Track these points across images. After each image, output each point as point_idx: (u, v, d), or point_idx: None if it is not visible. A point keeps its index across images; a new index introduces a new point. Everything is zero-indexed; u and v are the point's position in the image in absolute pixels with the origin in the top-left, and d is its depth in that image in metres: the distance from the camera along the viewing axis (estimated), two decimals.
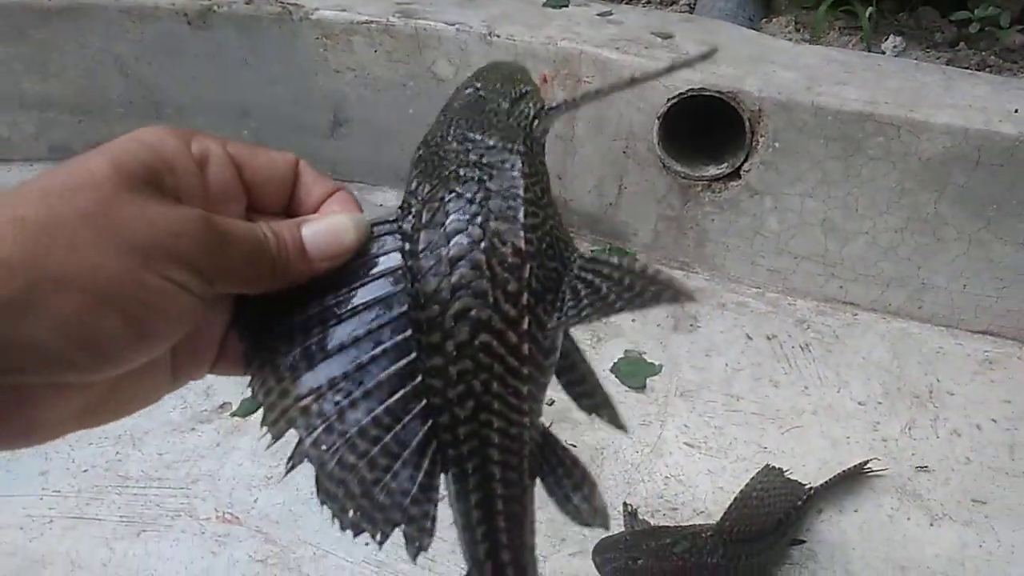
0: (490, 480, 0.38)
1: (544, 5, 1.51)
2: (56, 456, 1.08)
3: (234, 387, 1.18)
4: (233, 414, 1.16)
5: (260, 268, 0.34)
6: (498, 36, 1.43)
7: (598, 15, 1.48)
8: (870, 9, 1.47)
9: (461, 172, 0.38)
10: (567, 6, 1.51)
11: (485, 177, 0.37)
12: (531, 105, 0.41)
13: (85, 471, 1.07)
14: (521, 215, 0.37)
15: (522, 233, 0.36)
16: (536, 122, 0.40)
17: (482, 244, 0.36)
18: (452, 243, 0.36)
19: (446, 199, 0.37)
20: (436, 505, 0.37)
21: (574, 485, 0.40)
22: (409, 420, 0.37)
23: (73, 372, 0.29)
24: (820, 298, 1.38)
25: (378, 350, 0.36)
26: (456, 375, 0.36)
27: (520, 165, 0.38)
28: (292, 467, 0.36)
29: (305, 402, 0.36)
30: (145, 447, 1.10)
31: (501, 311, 0.36)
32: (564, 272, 0.38)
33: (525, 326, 0.36)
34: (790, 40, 1.45)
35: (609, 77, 1.37)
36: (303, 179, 0.39)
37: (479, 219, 0.36)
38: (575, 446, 1.09)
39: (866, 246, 1.33)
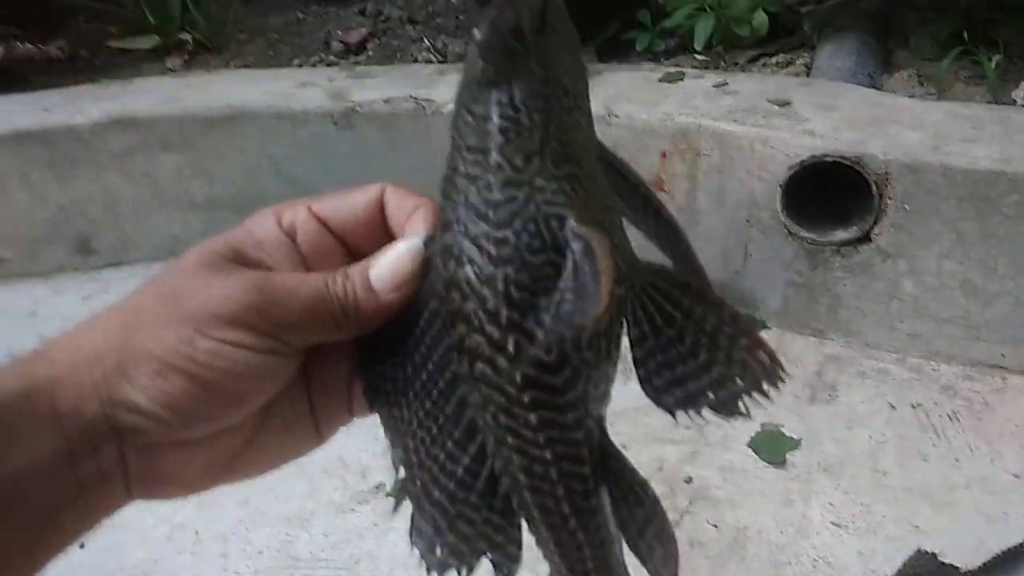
0: (534, 508, 0.35)
1: (660, 80, 1.56)
2: (234, 538, 1.19)
3: (388, 467, 1.26)
4: (388, 494, 1.25)
5: (324, 315, 0.36)
6: (617, 116, 1.49)
7: (714, 86, 1.51)
8: (996, 56, 1.43)
9: (452, 165, 0.34)
10: (683, 80, 1.55)
11: (459, 159, 0.33)
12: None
13: (260, 552, 1.17)
14: (491, 212, 0.32)
15: (490, 232, 0.32)
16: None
17: (463, 259, 0.32)
18: (446, 264, 0.33)
19: (444, 209, 0.34)
20: (519, 529, 0.36)
21: (645, 518, 0.36)
22: (476, 451, 0.35)
23: (169, 430, 0.35)
24: (966, 362, 1.34)
25: (442, 381, 0.35)
26: (476, 407, 0.34)
27: (496, 119, 0.32)
28: (398, 505, 0.36)
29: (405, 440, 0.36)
30: (312, 528, 1.20)
31: (486, 334, 0.32)
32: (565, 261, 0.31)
33: (511, 349, 0.32)
34: (913, 96, 1.43)
35: (728, 149, 1.40)
36: (389, 204, 0.39)
37: (455, 228, 0.33)
38: (716, 526, 1.11)
39: (1010, 307, 1.28)
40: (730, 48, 1.72)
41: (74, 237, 1.91)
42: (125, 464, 0.35)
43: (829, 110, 1.36)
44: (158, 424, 0.35)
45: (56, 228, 1.90)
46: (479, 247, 0.31)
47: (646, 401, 0.36)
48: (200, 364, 0.34)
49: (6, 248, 1.92)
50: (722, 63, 1.69)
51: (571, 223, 0.31)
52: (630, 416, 1.17)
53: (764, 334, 1.45)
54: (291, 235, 0.39)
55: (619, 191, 0.38)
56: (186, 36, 2.14)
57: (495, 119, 0.32)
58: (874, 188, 1.28)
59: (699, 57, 1.72)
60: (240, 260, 0.37)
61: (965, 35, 1.47)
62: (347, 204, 0.40)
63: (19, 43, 2.25)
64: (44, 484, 0.33)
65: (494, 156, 0.32)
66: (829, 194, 1.39)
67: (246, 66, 2.05)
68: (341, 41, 2.04)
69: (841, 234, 1.35)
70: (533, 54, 0.32)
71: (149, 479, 0.36)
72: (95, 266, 1.93)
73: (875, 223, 1.32)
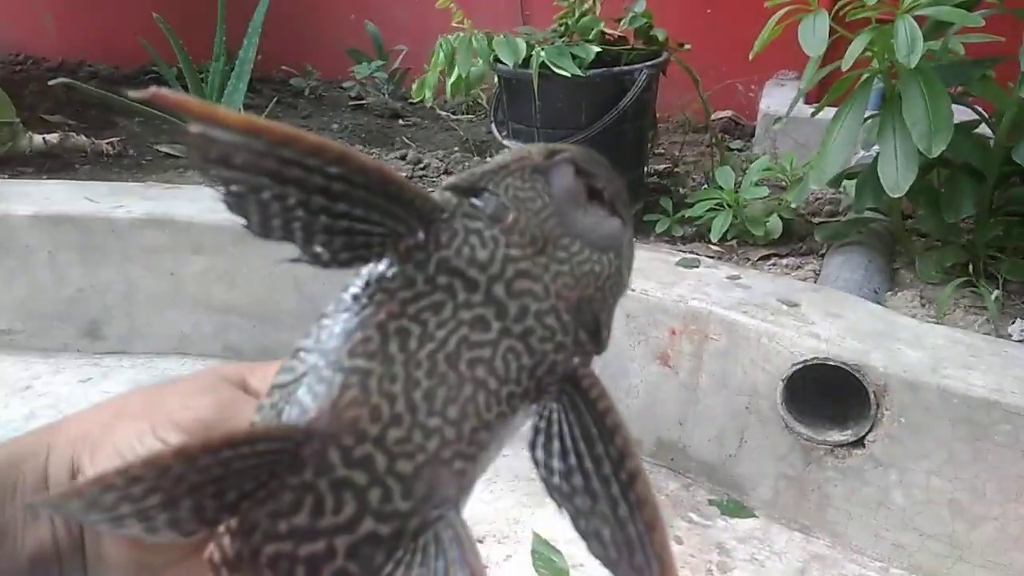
0: None
1: (677, 264, 1.65)
2: None
3: None
4: None
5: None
6: (632, 290, 1.56)
7: (727, 278, 1.60)
8: (996, 292, 1.53)
9: None
10: (698, 267, 1.64)
11: None
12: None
13: None
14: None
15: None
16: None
17: None
18: None
19: None
20: None
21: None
22: None
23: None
24: None
25: None
26: None
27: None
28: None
29: None
30: None
31: None
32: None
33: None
34: (915, 316, 1.52)
35: (736, 337, 1.46)
36: None
37: None
38: None
39: (995, 532, 1.31)
40: (743, 244, 1.82)
41: (85, 320, 1.94)
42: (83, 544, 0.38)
43: (835, 317, 1.44)
44: None
45: (69, 308, 1.93)
46: None
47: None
48: None
49: (16, 319, 1.94)
50: (735, 256, 1.79)
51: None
52: None
53: (751, 523, 1.46)
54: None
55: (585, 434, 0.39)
56: None
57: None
58: (872, 397, 1.34)
59: (714, 247, 1.82)
60: (243, 387, 0.41)
61: (970, 267, 1.57)
62: None
63: (74, 134, 2.37)
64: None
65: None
66: (827, 393, 1.44)
67: None
68: None
69: (836, 435, 1.39)
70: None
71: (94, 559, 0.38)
72: (99, 351, 1.95)
73: (870, 430, 1.36)
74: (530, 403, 0.37)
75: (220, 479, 0.31)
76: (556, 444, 0.37)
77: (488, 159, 2.49)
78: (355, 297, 0.36)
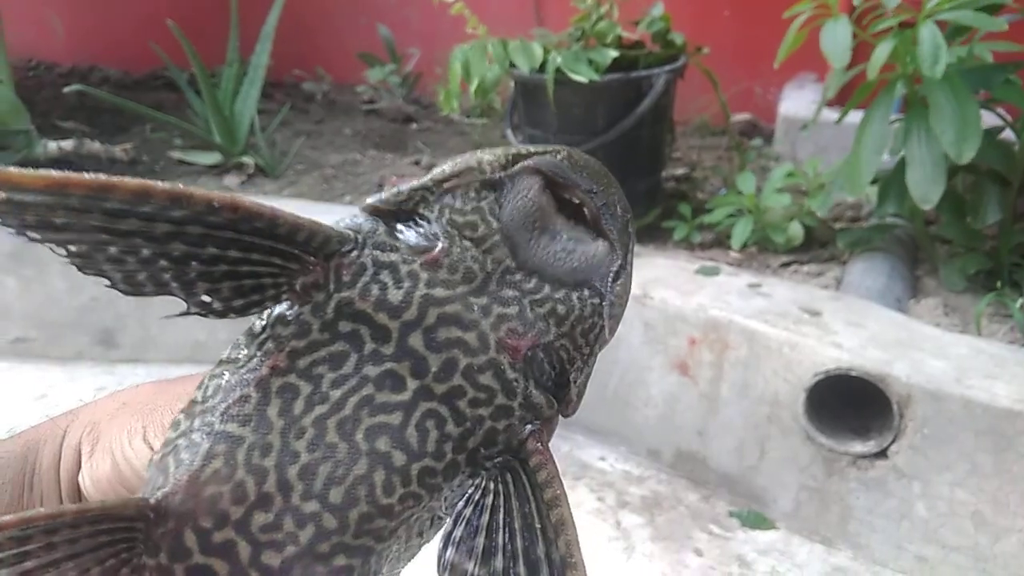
0: None
1: (696, 272, 1.63)
2: None
3: None
4: None
5: None
6: (652, 299, 1.55)
7: (748, 285, 1.58)
8: (1021, 300, 1.50)
9: None
10: (718, 275, 1.62)
11: None
12: None
13: None
14: None
15: None
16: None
17: None
18: None
19: None
20: None
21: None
22: None
23: None
24: None
25: None
26: None
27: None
28: None
29: None
30: None
31: None
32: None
33: None
34: (939, 325, 1.50)
35: (757, 347, 1.44)
36: None
37: None
38: None
39: (1019, 545, 1.28)
40: (764, 250, 1.80)
41: (100, 328, 1.94)
42: None
43: (857, 327, 1.42)
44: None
45: (84, 317, 1.93)
46: None
47: None
48: (128, 461, 0.37)
49: (31, 327, 1.94)
50: (755, 263, 1.77)
51: None
52: None
53: (772, 534, 1.44)
54: None
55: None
56: (248, 159, 2.25)
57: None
58: (895, 408, 1.32)
59: (733, 254, 1.80)
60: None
61: (997, 281, 1.55)
62: None
63: (88, 139, 2.37)
64: None
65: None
66: (850, 402, 1.42)
67: (300, 195, 2.14)
68: (394, 185, 2.14)
69: (859, 447, 1.37)
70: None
71: None
72: (113, 359, 1.94)
73: (893, 441, 1.34)
74: (459, 483, 0.30)
75: (74, 556, 0.27)
76: (480, 541, 0.30)
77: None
78: (243, 345, 0.31)
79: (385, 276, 0.31)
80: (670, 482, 1.56)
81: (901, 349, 1.37)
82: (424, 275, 0.31)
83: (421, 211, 0.32)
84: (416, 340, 0.30)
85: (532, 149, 0.35)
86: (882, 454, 1.36)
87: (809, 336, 1.41)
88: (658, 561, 1.38)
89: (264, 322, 0.31)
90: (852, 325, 1.43)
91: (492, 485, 0.30)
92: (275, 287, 0.31)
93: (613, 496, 1.52)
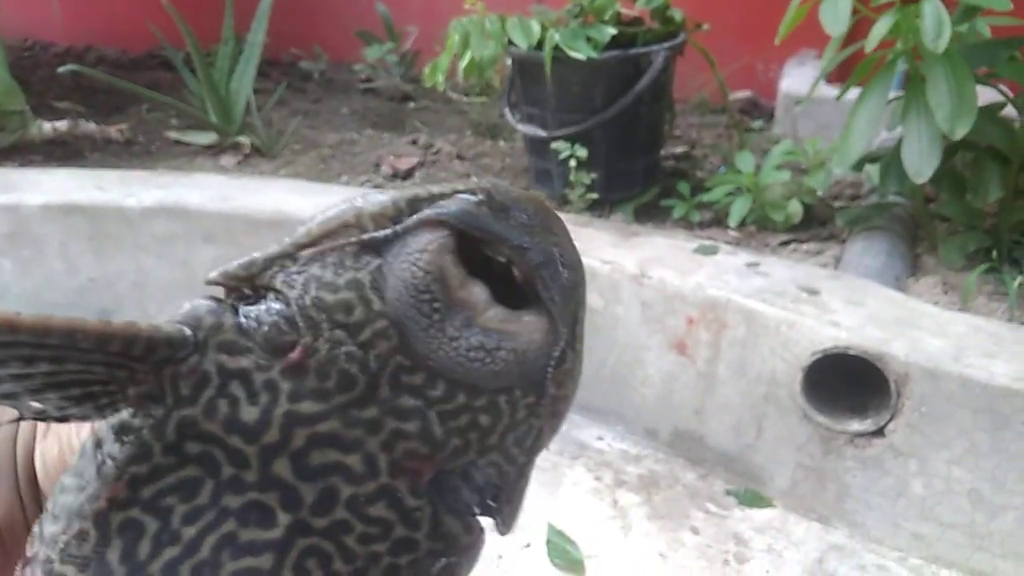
0: None
1: (695, 251, 1.62)
2: None
3: None
4: None
5: None
6: (650, 278, 1.54)
7: (746, 264, 1.57)
8: (1020, 278, 1.50)
9: None
10: (717, 254, 1.61)
11: None
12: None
13: None
14: None
15: None
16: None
17: None
18: None
19: None
20: None
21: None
22: None
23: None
24: (967, 570, 1.33)
25: None
26: None
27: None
28: None
29: None
30: None
31: None
32: None
33: None
34: (937, 303, 1.49)
35: (754, 326, 1.44)
36: None
37: None
38: None
39: (1016, 522, 1.29)
40: (762, 229, 1.80)
41: (97, 310, 1.93)
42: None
43: (856, 305, 1.42)
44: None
45: (81, 298, 1.93)
46: None
47: None
48: (72, 449, 0.37)
49: (29, 309, 1.94)
50: (753, 241, 1.77)
51: None
52: None
53: (768, 512, 1.44)
54: None
55: None
56: (244, 139, 2.24)
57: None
58: (893, 386, 1.32)
59: (732, 232, 1.79)
60: None
61: (993, 253, 1.54)
62: None
63: (83, 120, 2.35)
64: None
65: None
66: (847, 381, 1.42)
67: (296, 175, 2.13)
68: (391, 165, 2.13)
69: (856, 425, 1.37)
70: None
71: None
72: None
73: (890, 420, 1.34)
74: None
75: None
76: None
77: (495, 141, 2.45)
78: (82, 467, 0.25)
79: (235, 389, 0.24)
80: (667, 461, 1.57)
81: (899, 328, 1.37)
82: (285, 386, 0.24)
83: (279, 288, 0.25)
84: (282, 468, 0.24)
85: (436, 190, 0.26)
86: (879, 432, 1.36)
87: (807, 315, 1.40)
88: (655, 539, 1.38)
89: (97, 438, 0.25)
90: (850, 304, 1.43)
91: None
92: (107, 395, 0.25)
93: (610, 475, 1.53)
